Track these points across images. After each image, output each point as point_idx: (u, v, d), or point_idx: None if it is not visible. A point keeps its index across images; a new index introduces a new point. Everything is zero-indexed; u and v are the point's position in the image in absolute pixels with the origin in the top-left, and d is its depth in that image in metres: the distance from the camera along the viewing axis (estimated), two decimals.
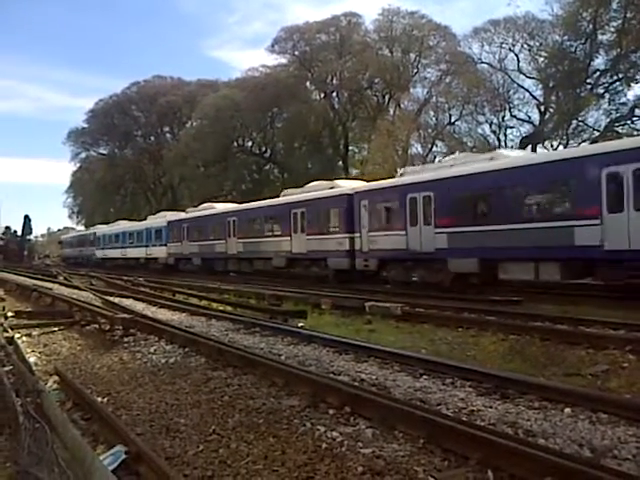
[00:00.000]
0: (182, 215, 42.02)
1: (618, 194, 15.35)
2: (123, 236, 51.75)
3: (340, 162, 60.36)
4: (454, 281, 20.20)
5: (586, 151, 18.52)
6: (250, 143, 67.34)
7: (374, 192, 24.13)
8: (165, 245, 42.32)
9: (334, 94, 60.83)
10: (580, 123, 44.73)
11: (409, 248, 21.69)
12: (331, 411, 6.73)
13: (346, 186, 26.90)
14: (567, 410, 6.55)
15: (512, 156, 20.56)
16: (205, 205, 41.21)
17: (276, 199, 31.36)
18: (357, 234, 24.36)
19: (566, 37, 44.02)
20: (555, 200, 17.66)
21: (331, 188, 27.25)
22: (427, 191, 21.07)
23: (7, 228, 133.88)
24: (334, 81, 59.10)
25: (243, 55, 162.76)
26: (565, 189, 17.20)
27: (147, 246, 45.62)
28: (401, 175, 24.42)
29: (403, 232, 21.90)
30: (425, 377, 8.28)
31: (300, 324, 13.72)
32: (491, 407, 6.77)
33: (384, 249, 22.99)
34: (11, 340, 11.61)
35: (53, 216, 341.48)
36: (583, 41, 42.70)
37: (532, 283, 19.03)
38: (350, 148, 61.17)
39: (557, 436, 5.75)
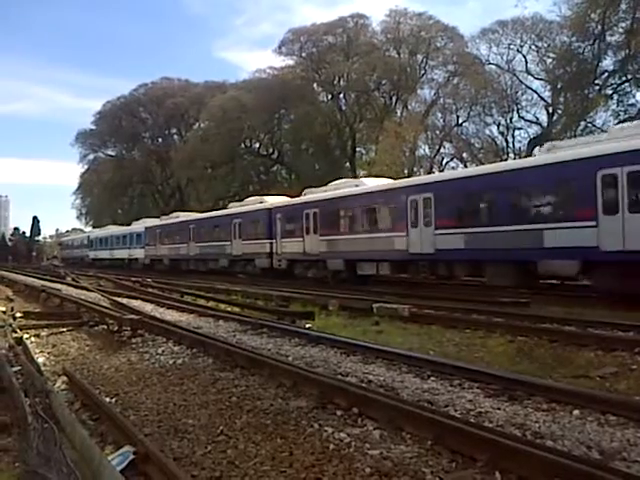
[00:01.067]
0: (156, 222, 49.56)
1: (419, 213, 21.96)
2: (111, 239, 59.31)
3: (347, 163, 60.40)
4: (334, 276, 26.97)
5: (396, 184, 24.98)
6: (257, 144, 67.49)
7: (284, 208, 31.56)
8: (143, 248, 49.39)
9: (341, 95, 60.92)
10: (588, 124, 44.53)
11: (305, 251, 28.78)
12: (339, 412, 6.72)
13: (270, 201, 33.84)
14: (576, 412, 6.52)
15: (367, 185, 27.27)
16: (174, 214, 48.54)
17: (223, 210, 39.54)
18: (274, 240, 31.41)
19: (574, 38, 43.92)
20: (383, 219, 24.52)
21: (260, 202, 34.55)
22: (313, 208, 28.49)
23: (16, 229, 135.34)
24: (341, 82, 59.19)
25: (251, 56, 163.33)
26: (392, 211, 23.75)
27: (129, 248, 52.77)
28: (304, 195, 31.09)
29: (301, 239, 29.06)
30: (433, 378, 8.26)
31: (307, 325, 13.72)
32: (499, 409, 6.75)
33: (291, 252, 30.17)
34: (20, 341, 11.66)
35: (62, 217, 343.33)
36: (591, 42, 42.59)
37: (538, 285, 19.61)
38: (357, 149, 61.23)
39: (565, 438, 5.72)
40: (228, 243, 35.90)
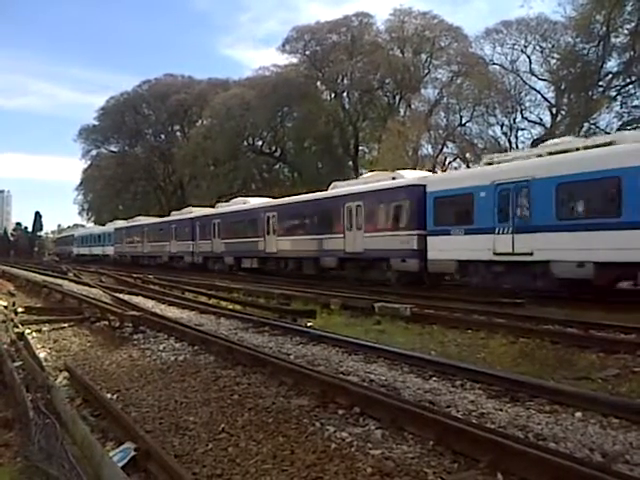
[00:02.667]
0: (123, 224, 57.51)
1: (270, 225, 32.05)
2: (90, 238, 67.47)
3: (350, 162, 60.37)
4: (230, 269, 36.11)
5: (256, 205, 35.38)
6: (260, 142, 67.49)
7: (200, 218, 40.65)
8: (113, 245, 56.43)
9: (345, 94, 60.90)
10: (592, 126, 44.45)
11: (213, 250, 38.08)
12: (340, 411, 6.71)
13: (194, 212, 42.87)
14: (578, 414, 6.51)
15: (250, 202, 36.40)
16: (136, 218, 55.44)
17: (166, 217, 46.83)
18: (195, 242, 41.02)
19: (579, 39, 43.82)
20: (252, 228, 33.57)
21: (189, 212, 43.29)
22: (217, 219, 38.00)
23: (18, 224, 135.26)
24: (345, 81, 59.17)
25: (256, 54, 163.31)
26: (255, 222, 33.39)
27: (103, 246, 60.84)
28: (215, 208, 41.16)
29: (210, 241, 38.55)
30: (435, 379, 8.26)
31: (309, 324, 13.71)
32: (501, 410, 6.74)
33: (204, 251, 39.46)
34: (21, 336, 11.68)
35: (64, 213, 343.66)
36: (596, 43, 42.46)
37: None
38: (360, 148, 61.25)
39: (568, 440, 5.71)
40: (168, 243, 44.69)
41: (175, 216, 45.97)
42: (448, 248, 20.42)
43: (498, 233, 18.87)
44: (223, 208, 38.93)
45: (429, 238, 21.36)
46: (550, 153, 18.59)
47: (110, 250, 57.94)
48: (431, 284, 22.34)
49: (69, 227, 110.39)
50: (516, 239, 18.34)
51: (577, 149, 17.91)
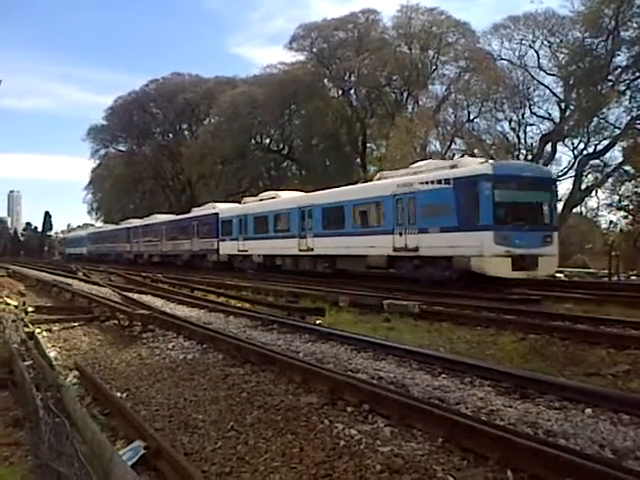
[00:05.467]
0: (94, 229, 74.06)
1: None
2: (74, 239, 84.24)
3: (358, 159, 60.26)
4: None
5: (178, 217, 47.46)
6: (268, 140, 67.46)
7: (171, 221, 48.45)
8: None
9: (352, 91, 60.75)
10: (601, 120, 44.19)
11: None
12: (349, 409, 6.71)
13: (159, 217, 52.20)
14: (588, 410, 6.49)
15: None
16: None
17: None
18: (161, 241, 49.12)
19: (587, 34, 43.45)
20: (178, 235, 44.54)
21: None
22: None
23: (28, 224, 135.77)
24: (352, 78, 59.00)
25: (265, 52, 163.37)
26: (184, 229, 43.39)
27: (84, 246, 74.31)
28: (191, 212, 46.22)
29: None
30: (444, 376, 8.24)
31: (318, 321, 13.69)
32: (511, 407, 6.72)
33: (181, 250, 45.19)
34: (31, 335, 11.72)
35: (73, 212, 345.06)
36: (605, 38, 42.15)
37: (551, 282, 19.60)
38: (368, 145, 61.08)
39: (578, 437, 5.69)
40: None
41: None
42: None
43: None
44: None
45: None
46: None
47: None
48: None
49: (84, 225, 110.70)
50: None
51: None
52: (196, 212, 44.07)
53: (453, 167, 21.84)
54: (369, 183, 28.54)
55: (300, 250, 29.16)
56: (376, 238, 23.66)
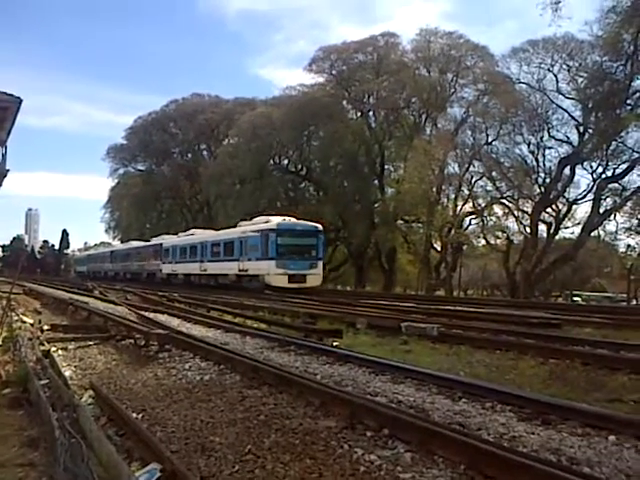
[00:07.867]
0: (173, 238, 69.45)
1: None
2: (78, 259, 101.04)
3: (376, 181, 60.26)
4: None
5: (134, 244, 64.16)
6: (286, 161, 67.66)
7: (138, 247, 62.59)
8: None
9: (371, 113, 60.88)
10: (620, 144, 43.95)
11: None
12: (369, 433, 6.58)
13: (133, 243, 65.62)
14: (611, 437, 6.34)
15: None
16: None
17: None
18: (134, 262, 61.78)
19: (606, 58, 43.41)
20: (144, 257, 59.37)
21: (161, 239, 55.77)
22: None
23: (45, 242, 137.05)
24: (371, 100, 59.20)
25: (287, 74, 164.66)
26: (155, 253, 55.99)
27: (84, 265, 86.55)
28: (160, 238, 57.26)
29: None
30: (464, 400, 8.10)
31: (335, 343, 13.59)
32: (533, 433, 6.57)
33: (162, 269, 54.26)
34: (47, 354, 11.71)
35: (91, 230, 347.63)
36: (623, 62, 42.04)
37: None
38: (386, 167, 61.05)
39: (603, 465, 5.55)
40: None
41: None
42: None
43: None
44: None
45: None
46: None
47: (85, 269, 77.61)
48: None
49: (102, 244, 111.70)
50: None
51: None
52: (154, 241, 57.63)
53: (266, 222, 37.38)
54: (232, 229, 42.38)
55: (201, 270, 44.68)
56: (231, 264, 39.33)
